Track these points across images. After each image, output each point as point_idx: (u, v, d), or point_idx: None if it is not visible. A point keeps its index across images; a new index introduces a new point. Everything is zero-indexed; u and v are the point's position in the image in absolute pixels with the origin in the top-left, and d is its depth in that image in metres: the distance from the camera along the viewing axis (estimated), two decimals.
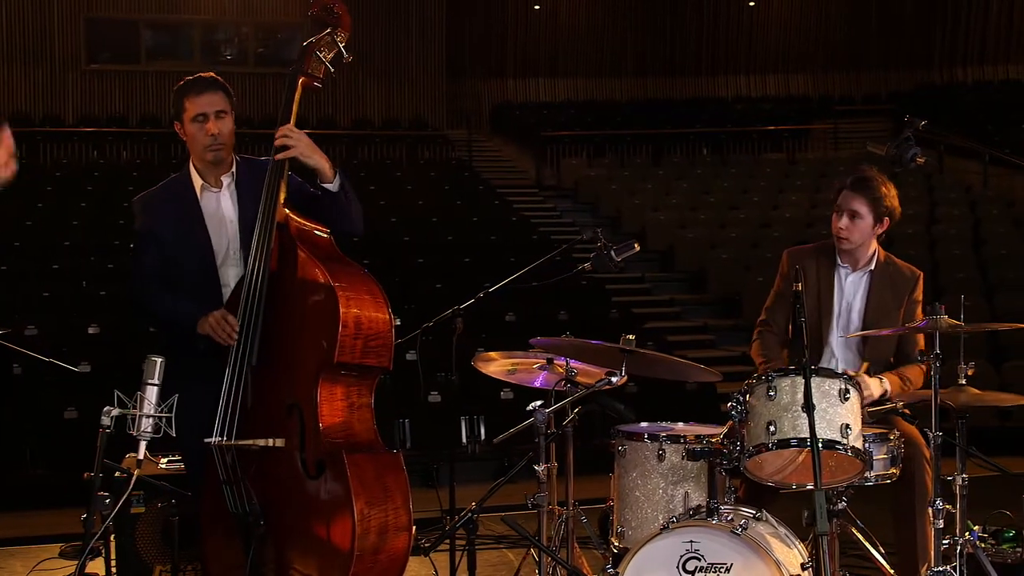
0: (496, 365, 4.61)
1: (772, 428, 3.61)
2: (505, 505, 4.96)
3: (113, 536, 5.46)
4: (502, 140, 21.10)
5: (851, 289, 4.59)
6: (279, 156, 3.78)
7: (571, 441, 4.32)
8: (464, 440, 9.18)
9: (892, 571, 4.24)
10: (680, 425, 4.36)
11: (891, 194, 4.53)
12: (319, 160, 3.83)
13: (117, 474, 5.00)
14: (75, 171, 16.56)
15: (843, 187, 4.55)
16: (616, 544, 4.17)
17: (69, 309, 10.52)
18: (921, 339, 4.45)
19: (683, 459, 3.97)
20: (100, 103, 19.41)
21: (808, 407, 3.39)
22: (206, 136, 3.89)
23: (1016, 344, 10.75)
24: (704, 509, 3.75)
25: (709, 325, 13.02)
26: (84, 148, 18.03)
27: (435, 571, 4.36)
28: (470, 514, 4.08)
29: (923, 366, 4.39)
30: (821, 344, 4.51)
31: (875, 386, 4.19)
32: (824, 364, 4.46)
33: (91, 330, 9.88)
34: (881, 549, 4.37)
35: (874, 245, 4.57)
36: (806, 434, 3.56)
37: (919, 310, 4.51)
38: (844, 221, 4.49)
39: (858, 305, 4.53)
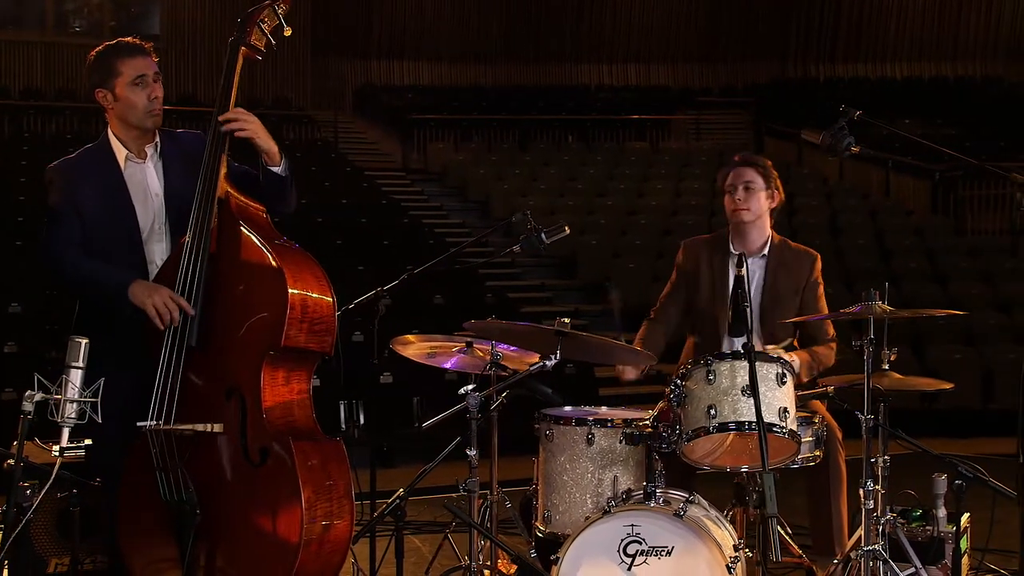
0: (414, 348, 4.56)
1: (712, 412, 3.65)
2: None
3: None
4: (366, 122, 20.85)
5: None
6: (238, 135, 3.64)
7: (496, 425, 4.29)
8: (343, 425, 9.10)
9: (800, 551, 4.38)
10: (604, 409, 4.38)
11: (775, 172, 4.61)
12: (270, 143, 3.72)
13: (7, 464, 4.76)
14: None
15: (731, 167, 4.58)
16: (542, 528, 4.15)
17: None
18: (829, 322, 4.55)
19: (619, 443, 3.98)
20: None
21: (754, 391, 3.43)
22: (148, 99, 3.73)
23: (920, 332, 11.21)
24: (641, 493, 3.77)
25: (580, 310, 13.14)
26: None
27: (354, 559, 4.26)
28: (398, 500, 4.02)
29: (832, 346, 4.51)
30: (718, 334, 4.53)
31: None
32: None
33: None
34: (789, 530, 4.48)
35: (768, 227, 4.60)
36: (746, 418, 3.63)
37: (820, 291, 4.60)
38: (740, 193, 4.49)
39: (753, 293, 4.52)
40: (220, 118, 3.65)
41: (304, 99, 20.40)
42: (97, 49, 3.81)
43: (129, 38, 3.85)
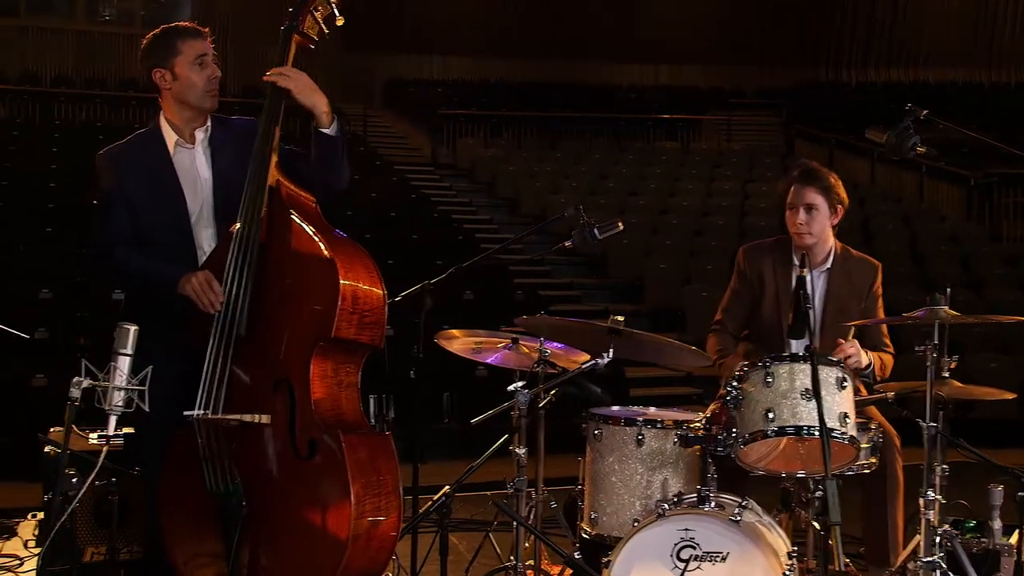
0: (459, 343, 4.50)
1: (771, 415, 3.56)
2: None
3: (38, 516, 5.16)
4: (396, 116, 20.81)
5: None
6: (280, 83, 3.58)
7: (543, 423, 4.21)
8: (373, 419, 9.05)
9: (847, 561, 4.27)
10: (652, 409, 4.29)
11: (839, 183, 4.47)
12: (317, 100, 3.63)
13: (48, 449, 4.72)
14: None
15: (792, 182, 4.43)
16: (588, 530, 4.07)
17: None
18: (886, 331, 4.47)
19: (670, 445, 3.89)
20: None
21: (816, 395, 3.34)
22: (208, 79, 3.70)
23: (954, 340, 11.02)
24: (694, 497, 3.69)
25: (611, 310, 13.04)
26: None
27: (396, 556, 4.19)
28: (445, 498, 3.95)
29: (891, 353, 4.41)
30: (779, 340, 4.43)
31: (864, 356, 4.15)
32: None
33: None
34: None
35: (831, 239, 4.49)
36: (805, 422, 3.53)
37: (880, 300, 4.51)
38: (802, 216, 4.34)
39: (816, 303, 4.41)
40: (265, 78, 3.60)
41: (334, 93, 20.34)
42: (155, 31, 3.77)
43: (185, 22, 3.82)
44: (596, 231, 4.24)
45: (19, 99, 17.48)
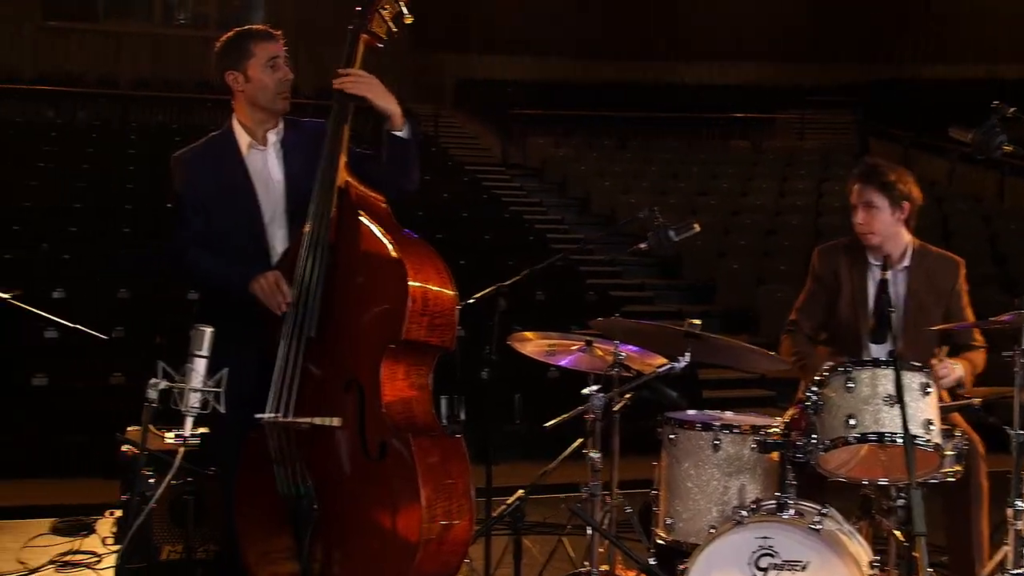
0: (532, 345, 4.45)
1: (852, 422, 3.47)
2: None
3: (116, 513, 5.22)
4: (466, 116, 20.83)
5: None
6: (350, 90, 3.54)
7: (618, 427, 4.16)
8: (444, 420, 9.06)
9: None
10: (729, 414, 4.21)
11: (904, 179, 4.31)
12: (390, 104, 3.60)
13: (125, 448, 4.76)
14: (31, 130, 16.00)
15: (853, 181, 4.31)
16: (663, 536, 4.00)
17: (29, 273, 10.15)
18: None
19: (747, 450, 3.82)
20: (55, 61, 18.78)
21: (900, 401, 3.25)
22: (279, 82, 3.70)
23: None
24: (773, 504, 3.61)
25: (683, 311, 12.92)
26: (39, 107, 17.44)
27: (469, 559, 4.15)
28: (519, 502, 3.91)
29: (983, 351, 4.27)
30: (858, 342, 4.32)
31: (955, 371, 4.03)
32: None
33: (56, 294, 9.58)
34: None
35: (905, 236, 4.36)
36: (888, 428, 3.44)
37: (966, 297, 4.37)
38: (861, 215, 4.23)
39: (896, 303, 4.28)
40: (335, 84, 3.57)
41: (404, 92, 20.39)
42: (228, 34, 3.78)
43: (258, 25, 3.82)
44: (672, 233, 4.18)
45: (97, 102, 17.81)
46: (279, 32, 3.80)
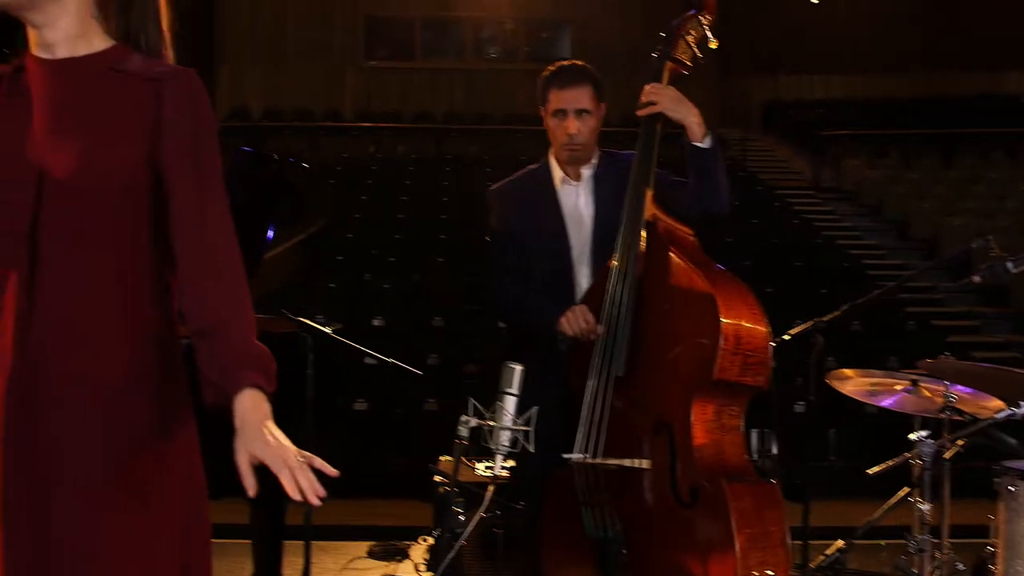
0: (852, 384, 4.19)
1: None
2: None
3: (428, 540, 5.34)
4: (774, 139, 20.32)
5: None
6: (648, 111, 3.46)
7: (948, 475, 3.82)
8: (754, 455, 8.80)
9: None
10: None
11: None
12: (687, 113, 3.46)
13: (437, 478, 4.86)
14: (354, 165, 16.95)
15: None
16: None
17: (352, 302, 10.69)
18: None
19: None
20: (376, 99, 19.85)
21: None
22: (564, 135, 3.64)
23: None
24: None
25: (1010, 341, 12.03)
26: (362, 143, 18.46)
27: None
28: (839, 552, 3.67)
29: None
30: None
31: None
32: None
33: (375, 322, 10.05)
34: None
35: None
36: None
37: None
38: None
39: None
40: (638, 112, 3.49)
41: (711, 118, 20.13)
42: (547, 68, 3.76)
43: (569, 62, 3.77)
44: (1010, 265, 3.81)
45: (415, 136, 18.65)
46: (588, 70, 3.70)
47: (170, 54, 2.05)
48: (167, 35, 2.05)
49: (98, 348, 1.89)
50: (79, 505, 1.85)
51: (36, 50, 1.97)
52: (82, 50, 1.95)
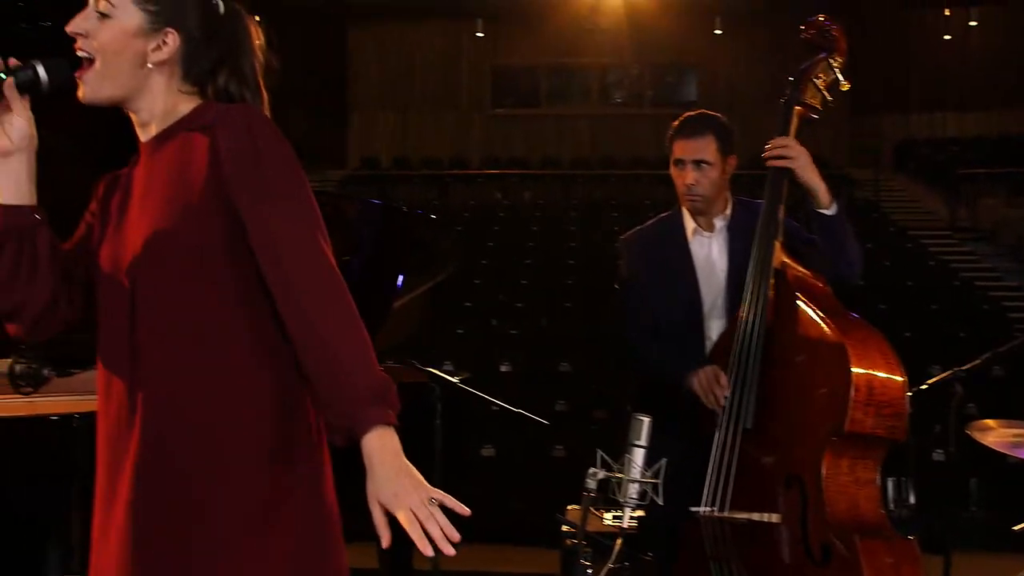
0: (995, 435, 4.03)
1: None
2: None
3: None
4: (907, 179, 19.84)
5: None
6: (777, 163, 3.39)
7: None
8: (891, 504, 8.54)
9: None
10: None
11: None
12: (814, 179, 3.38)
13: (565, 528, 4.84)
14: (481, 212, 17.14)
15: None
16: None
17: (479, 348, 10.77)
18: None
19: None
20: (503, 146, 20.07)
21: None
22: (682, 185, 3.60)
23: None
24: None
25: None
26: (488, 189, 18.67)
27: None
28: None
29: None
30: None
31: None
32: None
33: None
34: None
35: None
36: None
37: None
38: None
39: None
40: (766, 156, 3.42)
41: (841, 158, 19.82)
42: (679, 118, 3.73)
43: (698, 112, 3.72)
44: None
45: (541, 182, 18.78)
46: (712, 120, 3.66)
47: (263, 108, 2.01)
48: (264, 94, 2.02)
49: (209, 421, 1.83)
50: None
51: (140, 134, 1.99)
52: (170, 121, 1.95)
